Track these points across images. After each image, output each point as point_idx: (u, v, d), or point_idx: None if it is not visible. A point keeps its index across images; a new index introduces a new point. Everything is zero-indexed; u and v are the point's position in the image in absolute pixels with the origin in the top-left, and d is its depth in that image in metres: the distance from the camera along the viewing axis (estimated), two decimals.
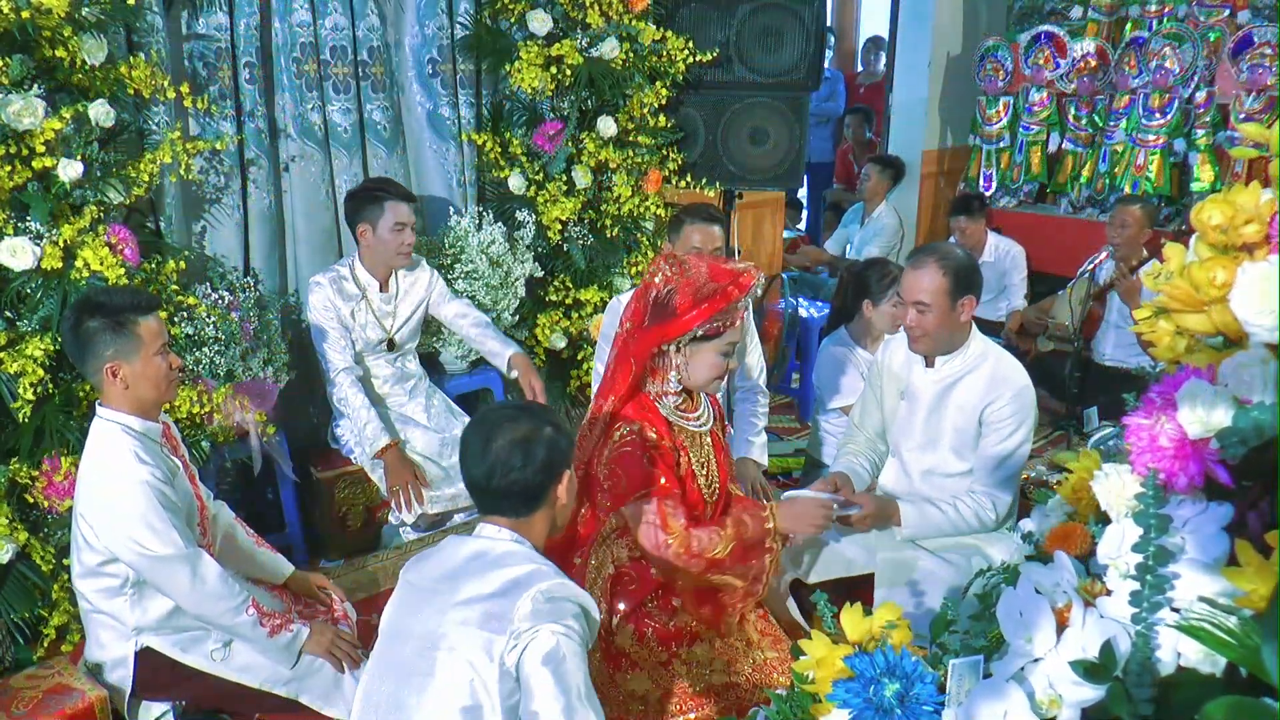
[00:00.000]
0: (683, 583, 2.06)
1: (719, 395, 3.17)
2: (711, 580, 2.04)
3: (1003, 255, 4.84)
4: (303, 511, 3.14)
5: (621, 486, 1.99)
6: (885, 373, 2.59)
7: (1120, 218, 4.07)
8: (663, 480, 1.99)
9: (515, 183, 3.54)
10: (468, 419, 3.35)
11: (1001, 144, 5.41)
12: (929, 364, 2.45)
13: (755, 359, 3.17)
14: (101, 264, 2.38)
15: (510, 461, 1.58)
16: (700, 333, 1.96)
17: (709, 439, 2.16)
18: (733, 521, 2.01)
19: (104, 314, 1.95)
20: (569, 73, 3.37)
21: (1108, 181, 5.02)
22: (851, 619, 1.30)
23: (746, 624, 2.19)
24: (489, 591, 1.52)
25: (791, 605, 2.56)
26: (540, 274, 3.60)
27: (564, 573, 1.56)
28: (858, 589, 2.47)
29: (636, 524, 1.99)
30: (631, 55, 3.49)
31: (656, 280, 1.98)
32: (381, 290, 3.13)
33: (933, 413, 2.44)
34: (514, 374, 3.17)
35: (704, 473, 2.11)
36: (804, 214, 7.37)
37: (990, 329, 4.68)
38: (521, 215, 3.49)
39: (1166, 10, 4.91)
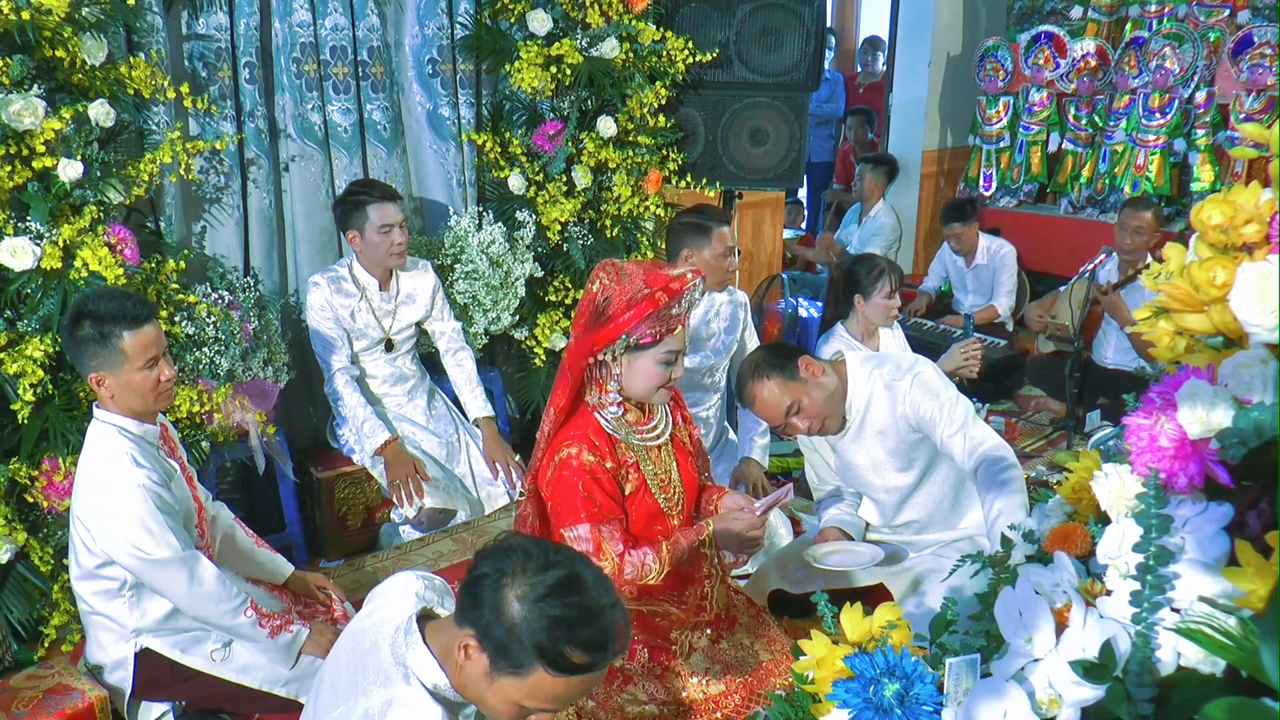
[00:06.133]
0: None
1: (716, 403, 3.20)
2: (648, 608, 2.02)
3: (993, 256, 4.81)
4: (303, 511, 3.13)
5: (559, 511, 1.97)
6: (813, 442, 2.59)
7: (1133, 223, 3.92)
8: (598, 506, 1.94)
9: (515, 183, 3.54)
10: (468, 421, 3.36)
11: (1001, 144, 5.42)
12: None
13: None
14: (101, 264, 2.37)
15: None
16: (634, 340, 1.91)
17: (669, 448, 2.11)
18: (668, 545, 1.96)
19: (91, 323, 1.93)
20: (569, 73, 3.37)
21: (1108, 181, 5.03)
22: (851, 619, 1.30)
23: (739, 628, 2.18)
24: None
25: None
26: (540, 274, 3.60)
27: None
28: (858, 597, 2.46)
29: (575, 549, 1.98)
30: (631, 55, 3.49)
31: (594, 288, 1.94)
32: (381, 289, 3.12)
33: (860, 453, 2.44)
34: (478, 430, 3.28)
35: (661, 485, 2.06)
36: (804, 213, 7.37)
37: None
38: (521, 215, 3.49)
39: (1166, 10, 4.92)
